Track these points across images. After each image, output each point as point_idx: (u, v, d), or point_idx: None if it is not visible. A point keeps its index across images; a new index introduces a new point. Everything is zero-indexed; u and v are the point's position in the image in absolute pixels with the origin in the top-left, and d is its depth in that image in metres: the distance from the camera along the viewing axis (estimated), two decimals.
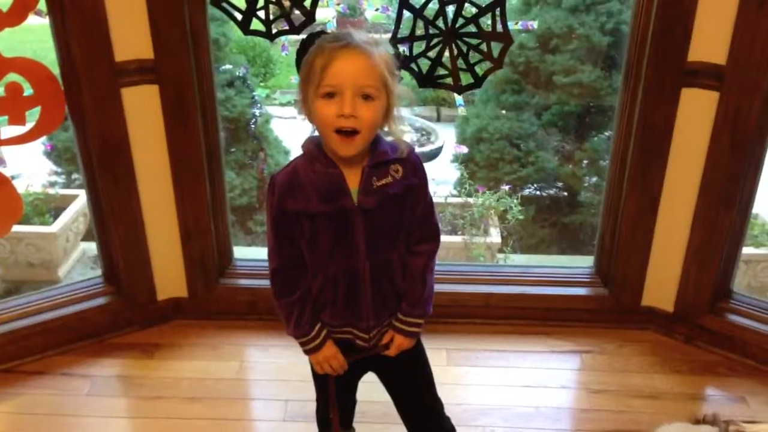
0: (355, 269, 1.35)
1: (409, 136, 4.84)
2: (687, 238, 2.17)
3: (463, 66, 2.05)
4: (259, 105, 4.01)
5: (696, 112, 2.02)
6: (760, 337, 2.19)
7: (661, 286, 2.29)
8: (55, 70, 2.00)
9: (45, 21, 1.96)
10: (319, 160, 1.31)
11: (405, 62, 2.02)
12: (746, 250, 2.72)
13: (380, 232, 1.34)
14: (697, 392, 2.14)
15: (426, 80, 2.08)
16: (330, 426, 1.54)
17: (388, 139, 1.36)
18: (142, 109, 2.07)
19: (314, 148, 1.32)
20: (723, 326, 2.24)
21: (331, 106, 1.22)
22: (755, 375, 2.18)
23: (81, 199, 3.33)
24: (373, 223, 1.32)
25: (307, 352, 1.44)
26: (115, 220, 2.18)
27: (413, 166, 1.35)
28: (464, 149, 3.69)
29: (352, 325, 1.42)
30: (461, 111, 2.37)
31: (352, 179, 1.31)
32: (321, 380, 1.53)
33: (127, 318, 2.33)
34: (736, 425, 1.40)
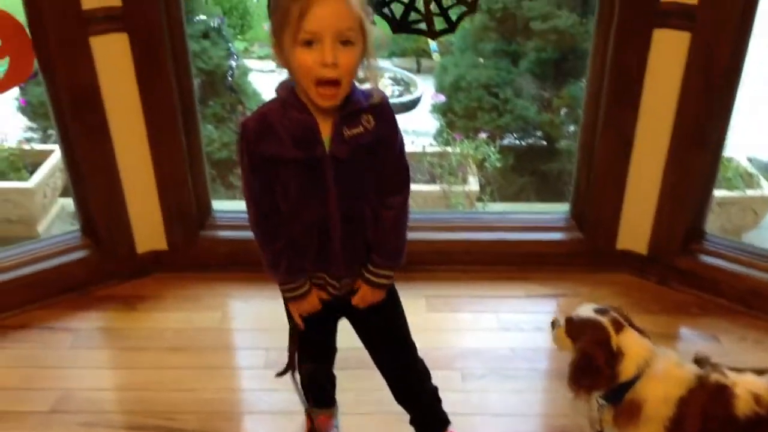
0: (325, 219, 1.35)
1: (388, 88, 4.80)
2: (660, 180, 2.20)
3: (437, 11, 2.03)
4: (235, 57, 3.95)
5: (668, 53, 2.02)
6: (731, 277, 2.24)
7: (635, 228, 2.32)
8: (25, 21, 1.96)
9: None
10: (293, 105, 1.28)
11: (378, 7, 1.99)
12: (719, 193, 2.76)
13: (351, 183, 1.33)
14: (670, 332, 2.19)
15: (400, 26, 2.06)
16: (310, 360, 1.58)
17: (365, 86, 1.33)
18: (112, 58, 2.04)
19: (288, 93, 1.29)
20: (695, 267, 2.29)
21: (311, 54, 1.19)
22: (727, 314, 2.23)
23: (57, 154, 3.29)
24: (345, 173, 1.31)
25: (291, 299, 1.44)
26: (90, 173, 2.17)
27: (385, 116, 1.32)
28: (442, 98, 3.68)
29: (324, 271, 1.42)
30: (435, 57, 2.36)
31: (324, 127, 1.29)
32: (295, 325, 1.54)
33: (108, 271, 2.33)
34: (719, 372, 1.44)
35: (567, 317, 1.51)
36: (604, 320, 1.45)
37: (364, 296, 1.45)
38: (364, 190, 1.36)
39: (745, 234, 2.96)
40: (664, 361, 1.44)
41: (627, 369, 1.42)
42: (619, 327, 1.45)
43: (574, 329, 1.47)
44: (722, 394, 1.39)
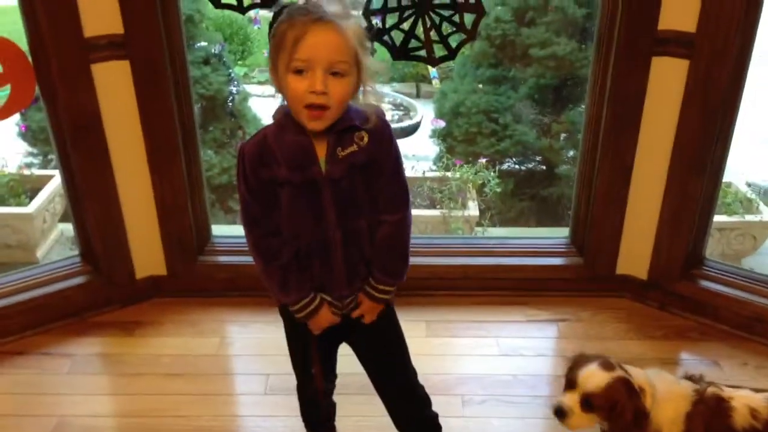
0: (325, 238, 1.35)
1: (388, 113, 4.83)
2: (659, 205, 2.20)
3: (437, 38, 2.05)
4: (236, 83, 3.98)
5: (667, 81, 2.04)
6: (731, 302, 2.23)
7: (635, 254, 2.32)
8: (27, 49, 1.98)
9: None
10: (289, 128, 1.30)
11: (378, 35, 2.01)
12: (719, 218, 2.77)
13: (349, 201, 1.34)
14: (671, 357, 2.18)
15: (400, 53, 2.08)
16: (311, 384, 1.55)
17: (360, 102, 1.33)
18: (114, 85, 2.05)
19: (284, 116, 1.31)
20: (696, 292, 2.28)
21: (302, 81, 1.22)
22: (728, 339, 2.22)
23: (57, 179, 3.30)
24: (342, 191, 1.32)
25: (305, 317, 1.42)
26: (90, 199, 2.17)
27: (381, 133, 1.33)
28: (442, 123, 3.70)
29: (326, 291, 1.42)
30: (435, 83, 2.38)
31: (320, 148, 1.30)
32: (296, 349, 1.54)
33: (106, 296, 2.33)
34: (716, 387, 1.45)
35: (582, 395, 1.42)
36: (619, 372, 1.42)
37: (365, 310, 1.44)
38: (361, 208, 1.36)
39: (744, 259, 2.96)
40: (662, 381, 1.47)
41: (647, 403, 1.42)
42: (624, 369, 1.44)
43: (600, 401, 1.40)
44: (721, 406, 1.41)
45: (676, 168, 2.13)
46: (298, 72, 1.21)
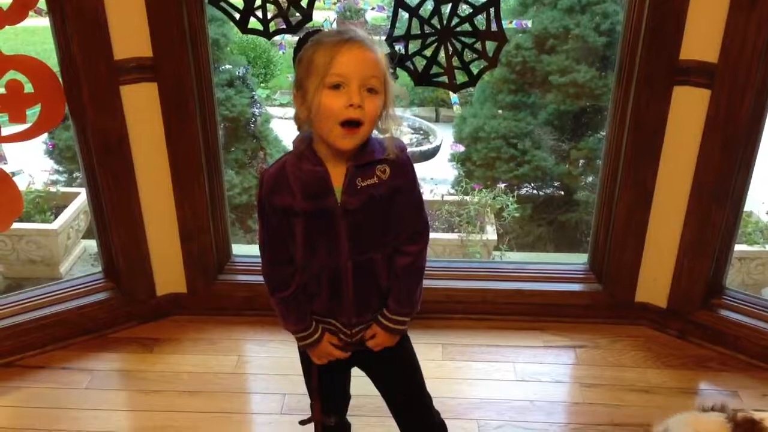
0: (337, 268, 1.36)
1: (407, 137, 4.87)
2: (680, 234, 2.20)
3: (458, 64, 2.08)
4: (258, 105, 4.04)
5: (688, 110, 2.04)
6: (752, 333, 2.21)
7: (655, 281, 2.31)
8: (57, 70, 2.03)
9: (48, 22, 1.99)
10: (307, 158, 1.31)
11: (401, 61, 2.05)
12: (740, 248, 2.75)
13: (364, 232, 1.34)
14: (689, 386, 2.16)
15: (422, 78, 2.11)
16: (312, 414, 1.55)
17: (381, 136, 1.35)
18: (142, 106, 2.10)
19: (304, 146, 1.32)
20: (715, 322, 2.26)
21: (338, 97, 1.22)
22: (747, 370, 2.20)
23: (82, 196, 3.37)
24: (357, 223, 1.33)
25: (305, 346, 1.45)
26: (115, 217, 2.21)
27: (402, 166, 1.33)
28: (461, 148, 3.72)
29: (335, 318, 1.43)
30: (456, 109, 2.40)
31: (337, 178, 1.31)
32: (309, 372, 1.54)
33: (127, 313, 2.36)
34: (745, 412, 1.44)
35: None
36: None
37: (379, 341, 1.45)
38: (376, 240, 1.36)
39: (765, 289, 2.93)
40: (697, 422, 1.44)
41: None
42: None
43: None
44: (756, 428, 1.40)
45: (697, 197, 2.13)
46: (334, 88, 1.22)
